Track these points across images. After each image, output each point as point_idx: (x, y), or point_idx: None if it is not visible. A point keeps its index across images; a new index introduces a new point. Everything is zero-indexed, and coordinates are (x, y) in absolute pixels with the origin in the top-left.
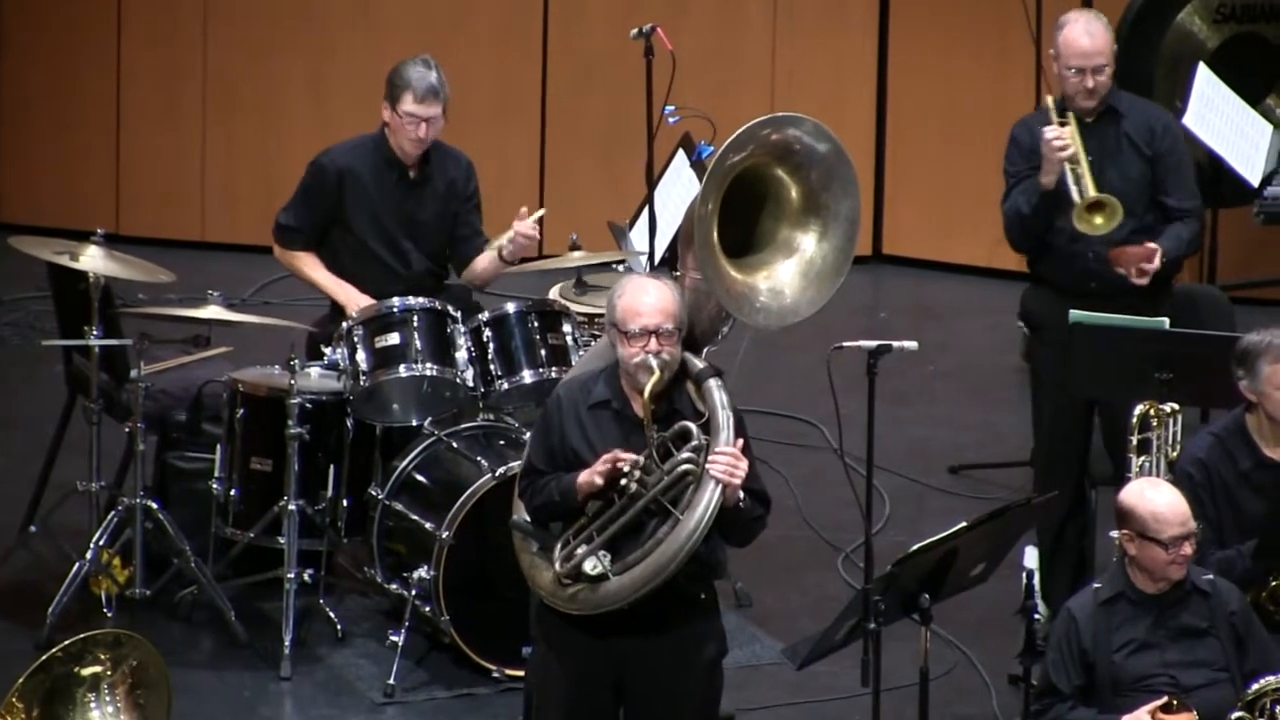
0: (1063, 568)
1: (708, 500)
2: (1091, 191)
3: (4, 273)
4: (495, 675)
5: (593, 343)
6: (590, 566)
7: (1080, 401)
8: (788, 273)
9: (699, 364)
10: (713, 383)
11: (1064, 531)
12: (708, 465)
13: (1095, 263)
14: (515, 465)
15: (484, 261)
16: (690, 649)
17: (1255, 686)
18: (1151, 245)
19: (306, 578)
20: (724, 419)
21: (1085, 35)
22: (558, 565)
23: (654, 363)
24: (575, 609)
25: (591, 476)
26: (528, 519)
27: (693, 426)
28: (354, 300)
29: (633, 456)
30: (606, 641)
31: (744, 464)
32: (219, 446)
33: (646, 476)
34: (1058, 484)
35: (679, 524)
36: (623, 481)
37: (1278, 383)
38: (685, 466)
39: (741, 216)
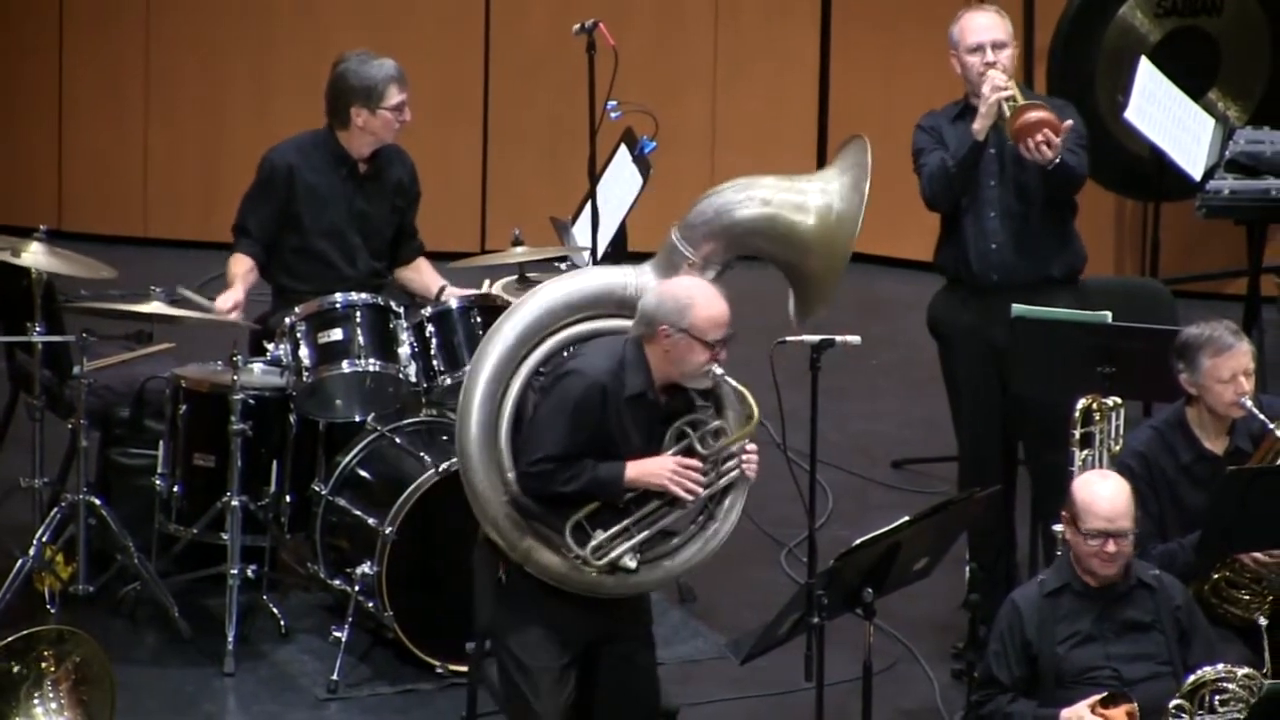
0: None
1: (736, 500)
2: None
3: None
4: (439, 671)
5: None
6: (630, 560)
7: (996, 402)
8: None
9: None
10: (717, 370)
11: (994, 530)
12: (744, 466)
13: (998, 252)
14: (458, 461)
15: (421, 282)
16: (646, 615)
17: (1193, 677)
18: (1069, 124)
19: (250, 573)
20: (750, 406)
21: (979, 14)
22: (594, 559)
23: (717, 371)
24: (591, 591)
25: (647, 479)
26: (528, 502)
27: (724, 425)
28: (222, 302)
29: (698, 468)
30: (586, 607)
31: None
32: (162, 443)
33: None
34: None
35: (717, 525)
36: (704, 491)
37: (1218, 376)
38: (735, 474)
39: None
